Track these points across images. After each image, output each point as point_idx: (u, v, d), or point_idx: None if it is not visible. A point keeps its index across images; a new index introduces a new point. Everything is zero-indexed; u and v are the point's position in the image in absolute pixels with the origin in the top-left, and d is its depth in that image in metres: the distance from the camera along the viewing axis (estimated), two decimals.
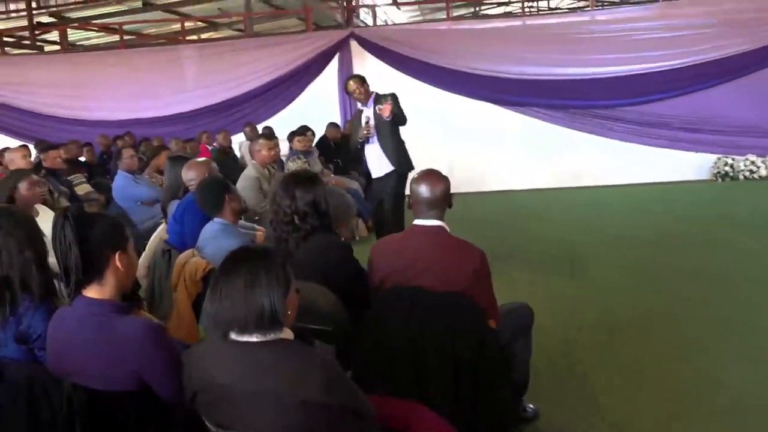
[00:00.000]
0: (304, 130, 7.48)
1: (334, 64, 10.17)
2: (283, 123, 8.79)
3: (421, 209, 2.65)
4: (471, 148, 9.85)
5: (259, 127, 9.44)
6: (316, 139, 8.42)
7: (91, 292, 1.93)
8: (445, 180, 2.68)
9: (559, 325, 4.32)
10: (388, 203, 5.68)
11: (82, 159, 8.76)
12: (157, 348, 1.88)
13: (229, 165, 7.79)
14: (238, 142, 9.87)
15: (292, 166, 6.99)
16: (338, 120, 9.74)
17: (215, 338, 1.73)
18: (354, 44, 10.02)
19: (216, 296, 1.70)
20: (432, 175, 2.71)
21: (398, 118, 5.53)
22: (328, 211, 3.03)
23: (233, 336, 1.70)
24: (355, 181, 7.94)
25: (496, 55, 9.58)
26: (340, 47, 10.06)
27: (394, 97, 5.55)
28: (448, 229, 2.67)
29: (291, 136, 7.37)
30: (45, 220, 4.35)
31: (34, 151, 6.98)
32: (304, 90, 10.15)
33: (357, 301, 2.83)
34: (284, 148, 7.74)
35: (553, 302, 4.76)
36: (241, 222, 4.40)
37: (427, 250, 2.58)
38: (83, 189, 7.10)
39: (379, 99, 5.56)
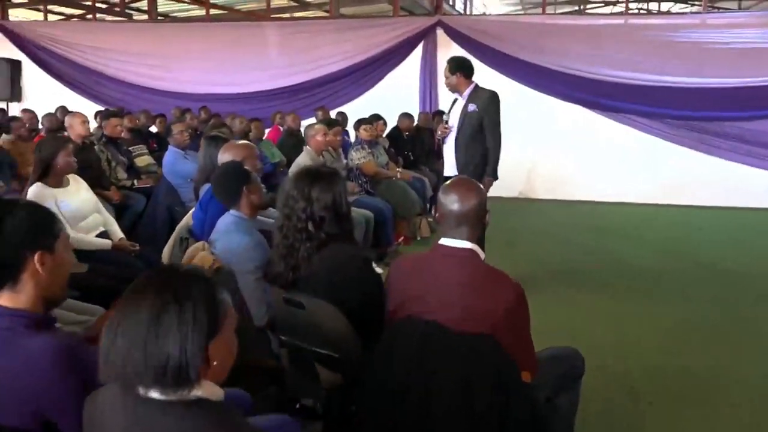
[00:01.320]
0: (373, 119, 7.05)
1: (418, 53, 9.69)
2: (361, 110, 8.35)
3: (449, 224, 2.13)
4: (555, 152, 9.18)
5: (333, 113, 9.09)
6: (388, 130, 8.00)
7: (2, 298, 1.55)
8: (479, 192, 2.15)
9: (624, 367, 3.73)
10: None
11: (154, 130, 8.65)
12: (67, 378, 1.48)
13: (296, 148, 7.46)
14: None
15: (355, 155, 6.63)
16: (416, 111, 9.23)
17: (115, 386, 1.30)
18: (440, 33, 9.51)
19: (111, 333, 1.26)
20: (464, 185, 2.19)
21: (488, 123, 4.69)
22: (349, 214, 2.58)
23: (138, 387, 1.26)
24: (425, 177, 7.48)
25: (592, 54, 8.78)
26: (425, 35, 9.57)
27: (493, 97, 4.72)
28: (482, 255, 2.15)
29: (357, 124, 6.96)
30: (75, 190, 4.13)
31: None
32: (384, 78, 9.70)
33: (372, 327, 2.39)
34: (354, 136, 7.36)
35: (621, 339, 4.15)
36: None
37: (451, 278, 2.07)
38: (144, 161, 6.94)
39: (476, 93, 4.75)
